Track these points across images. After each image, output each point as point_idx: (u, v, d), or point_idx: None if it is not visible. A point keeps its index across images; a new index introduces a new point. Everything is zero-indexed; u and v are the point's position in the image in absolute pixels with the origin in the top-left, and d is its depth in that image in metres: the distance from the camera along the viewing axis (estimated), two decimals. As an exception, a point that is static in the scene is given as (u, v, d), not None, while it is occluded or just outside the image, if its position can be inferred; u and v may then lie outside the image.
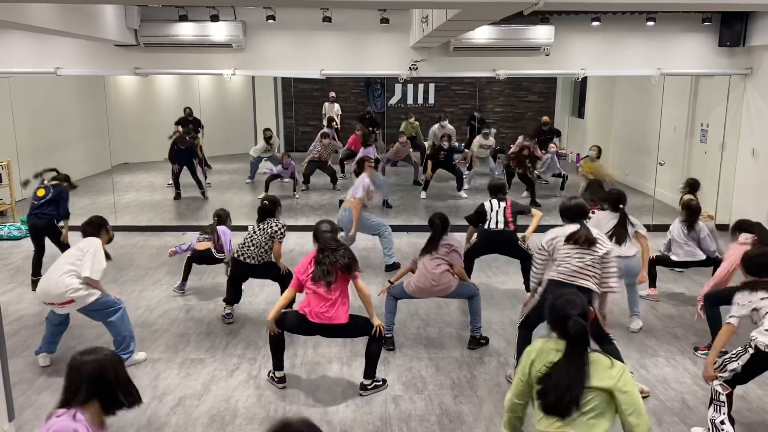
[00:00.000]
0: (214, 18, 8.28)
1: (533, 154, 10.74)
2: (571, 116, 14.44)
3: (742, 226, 5.61)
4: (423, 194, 11.39)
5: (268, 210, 6.07)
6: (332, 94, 14.30)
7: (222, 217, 6.84)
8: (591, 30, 8.90)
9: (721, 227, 9.49)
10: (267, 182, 11.11)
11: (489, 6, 5.02)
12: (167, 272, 7.47)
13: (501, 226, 6.38)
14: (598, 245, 4.51)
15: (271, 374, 4.92)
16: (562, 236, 4.60)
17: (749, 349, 3.92)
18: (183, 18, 8.33)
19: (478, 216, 6.53)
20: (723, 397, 3.97)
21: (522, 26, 8.60)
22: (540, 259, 4.75)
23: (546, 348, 2.88)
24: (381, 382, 4.84)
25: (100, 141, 11.13)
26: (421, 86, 15.06)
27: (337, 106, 14.19)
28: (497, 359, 5.32)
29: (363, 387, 4.77)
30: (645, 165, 10.85)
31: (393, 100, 15.11)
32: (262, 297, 6.76)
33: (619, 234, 5.71)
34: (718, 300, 5.26)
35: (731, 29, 8.77)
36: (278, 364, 4.85)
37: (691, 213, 6.42)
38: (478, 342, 5.57)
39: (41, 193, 6.86)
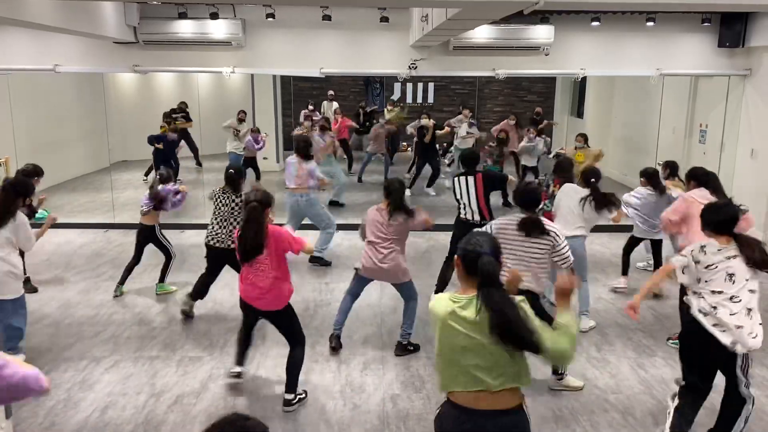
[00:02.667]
0: (214, 16, 8.27)
1: (507, 139, 10.57)
2: (571, 116, 14.45)
3: (697, 174, 5.64)
4: (408, 192, 11.39)
5: (233, 179, 5.82)
6: (330, 92, 14.29)
7: (164, 177, 6.57)
8: (591, 30, 8.89)
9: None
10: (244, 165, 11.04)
11: (489, 5, 5.02)
12: (165, 270, 7.46)
13: (476, 216, 6.16)
14: (550, 236, 4.44)
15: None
16: (508, 225, 4.50)
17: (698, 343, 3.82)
18: (182, 15, 8.33)
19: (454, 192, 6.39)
20: (670, 410, 3.93)
21: (522, 26, 8.59)
22: None
23: (446, 307, 2.65)
24: (304, 394, 4.65)
25: (98, 138, 11.12)
26: (420, 85, 15.07)
27: (335, 104, 14.18)
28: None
29: (287, 402, 4.50)
30: (644, 165, 10.76)
31: (392, 99, 15.11)
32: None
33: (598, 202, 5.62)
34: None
35: (731, 30, 8.77)
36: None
37: (651, 177, 6.62)
38: (405, 349, 5.39)
39: None
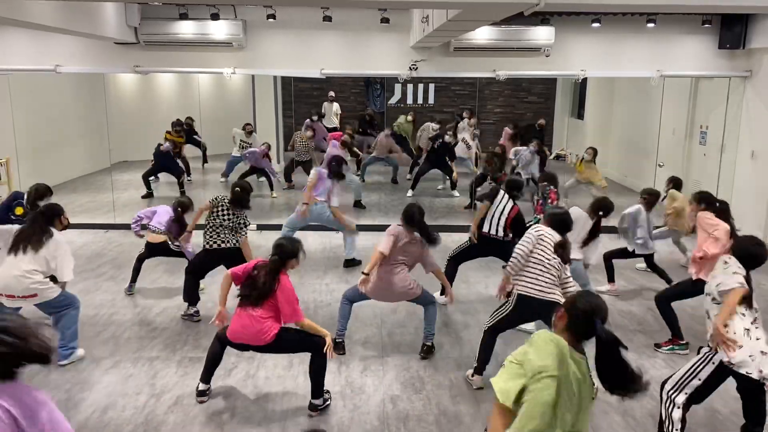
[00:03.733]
0: (215, 16, 8.28)
1: (503, 153, 10.59)
2: (571, 117, 14.44)
3: (709, 199, 5.73)
4: (410, 192, 11.43)
5: (243, 199, 5.95)
6: (331, 93, 14.28)
7: (185, 205, 6.64)
8: (591, 31, 8.90)
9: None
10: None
11: (490, 6, 5.02)
12: (165, 270, 7.46)
13: (500, 233, 6.27)
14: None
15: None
16: (550, 238, 4.62)
17: (712, 362, 3.79)
18: (183, 16, 8.34)
19: (492, 196, 6.37)
20: (677, 417, 3.86)
21: (522, 27, 8.60)
22: (525, 246, 4.62)
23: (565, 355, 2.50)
24: (329, 397, 4.65)
25: (99, 139, 11.11)
26: (420, 86, 15.05)
27: (336, 105, 14.18)
28: (495, 360, 5.31)
29: (313, 408, 4.49)
30: (644, 167, 10.85)
31: (393, 100, 15.10)
32: (261, 296, 6.76)
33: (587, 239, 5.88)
34: (669, 298, 5.56)
35: (731, 31, 8.78)
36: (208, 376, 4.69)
37: (651, 194, 6.82)
38: (431, 350, 5.41)
39: (20, 211, 6.48)
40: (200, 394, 4.63)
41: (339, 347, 5.40)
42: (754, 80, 9.00)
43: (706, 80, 9.93)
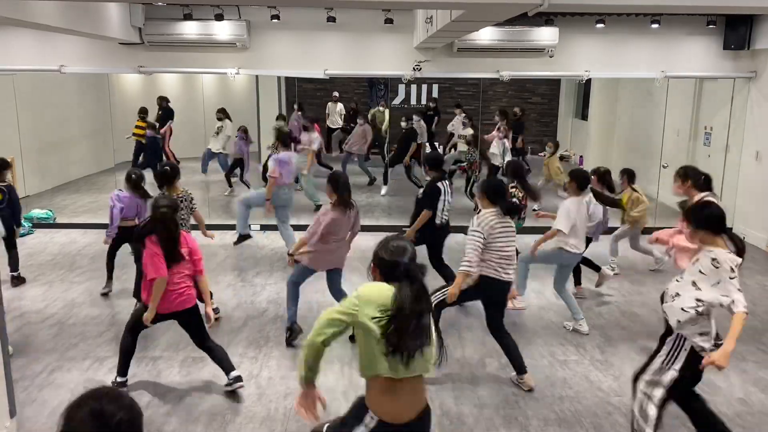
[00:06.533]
0: (219, 17, 8.28)
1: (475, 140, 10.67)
2: (575, 118, 14.42)
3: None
4: (383, 190, 11.48)
5: (169, 177, 5.79)
6: (335, 93, 14.31)
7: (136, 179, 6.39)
8: (595, 32, 8.89)
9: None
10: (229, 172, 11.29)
11: (493, 7, 5.02)
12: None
13: (447, 218, 6.22)
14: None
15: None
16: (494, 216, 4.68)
17: (684, 348, 3.58)
18: (187, 17, 8.35)
19: (433, 198, 6.02)
20: (652, 414, 3.68)
21: (526, 28, 8.60)
22: (475, 241, 4.62)
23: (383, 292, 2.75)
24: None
25: (103, 139, 11.15)
26: (424, 87, 15.06)
27: (340, 105, 14.21)
28: (498, 360, 5.31)
29: (237, 378, 4.70)
30: (648, 168, 10.81)
31: (396, 101, 15.11)
32: (264, 296, 6.76)
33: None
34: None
35: (736, 32, 8.76)
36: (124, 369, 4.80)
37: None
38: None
39: None
40: (122, 384, 4.72)
41: (296, 334, 5.48)
42: (758, 81, 8.98)
43: (710, 81, 9.90)
